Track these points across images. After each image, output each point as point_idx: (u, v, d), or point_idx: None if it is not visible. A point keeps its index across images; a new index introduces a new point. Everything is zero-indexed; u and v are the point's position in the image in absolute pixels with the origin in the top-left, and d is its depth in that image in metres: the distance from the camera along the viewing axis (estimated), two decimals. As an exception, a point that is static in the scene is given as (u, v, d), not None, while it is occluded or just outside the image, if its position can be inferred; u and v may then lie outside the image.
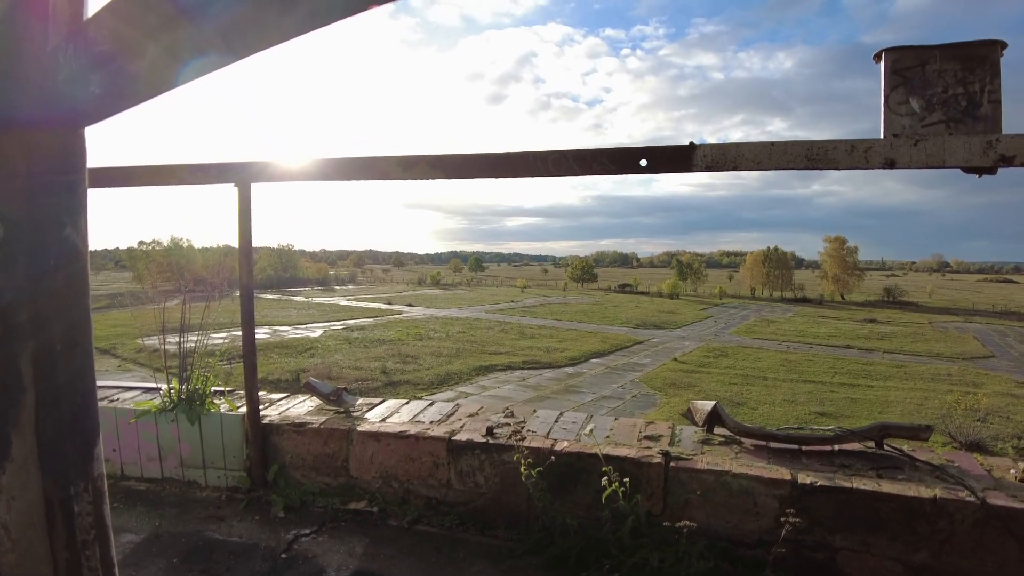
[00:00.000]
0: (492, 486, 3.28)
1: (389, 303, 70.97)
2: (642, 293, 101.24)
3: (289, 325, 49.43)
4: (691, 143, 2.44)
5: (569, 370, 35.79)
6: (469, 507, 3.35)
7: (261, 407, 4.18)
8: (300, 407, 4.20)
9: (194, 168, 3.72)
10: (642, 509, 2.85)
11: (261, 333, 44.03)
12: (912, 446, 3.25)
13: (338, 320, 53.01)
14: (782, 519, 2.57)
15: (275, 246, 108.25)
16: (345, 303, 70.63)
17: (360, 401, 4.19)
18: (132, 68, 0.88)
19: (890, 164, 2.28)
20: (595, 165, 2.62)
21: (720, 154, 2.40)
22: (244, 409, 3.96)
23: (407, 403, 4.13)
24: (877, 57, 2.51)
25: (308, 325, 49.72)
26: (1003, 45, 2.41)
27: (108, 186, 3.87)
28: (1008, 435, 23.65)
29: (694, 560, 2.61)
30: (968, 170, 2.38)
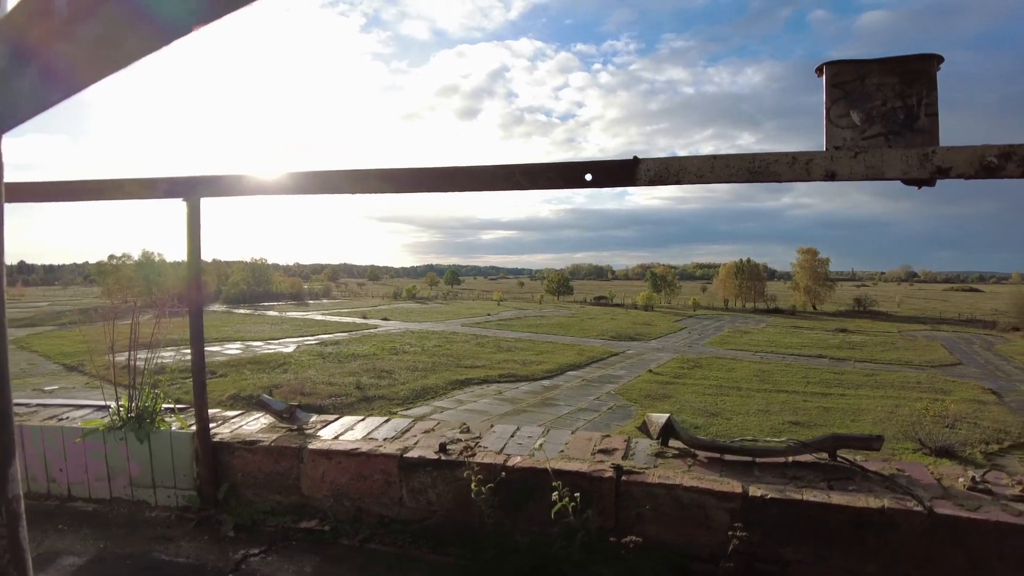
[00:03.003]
0: (445, 503, 3.23)
1: (364, 317, 70.42)
2: (617, 305, 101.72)
3: (262, 340, 48.83)
4: (635, 157, 2.44)
5: (546, 383, 35.75)
6: (422, 525, 3.30)
7: (214, 424, 4.10)
8: (253, 425, 4.12)
9: (142, 182, 3.65)
10: (593, 524, 2.82)
11: (233, 348, 43.40)
12: (866, 456, 3.26)
13: (312, 335, 52.48)
14: (729, 532, 2.56)
15: (248, 260, 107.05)
16: (319, 317, 69.96)
17: (314, 418, 4.12)
18: (54, 63, 0.83)
19: (831, 176, 2.30)
20: (542, 179, 2.61)
21: (663, 168, 2.40)
22: (196, 427, 3.87)
23: (362, 420, 4.07)
24: (819, 71, 2.53)
25: (281, 340, 49.14)
26: (939, 60, 2.45)
27: (53, 200, 3.78)
28: (976, 440, 24.07)
29: (646, 574, 2.58)
30: (907, 182, 2.41)
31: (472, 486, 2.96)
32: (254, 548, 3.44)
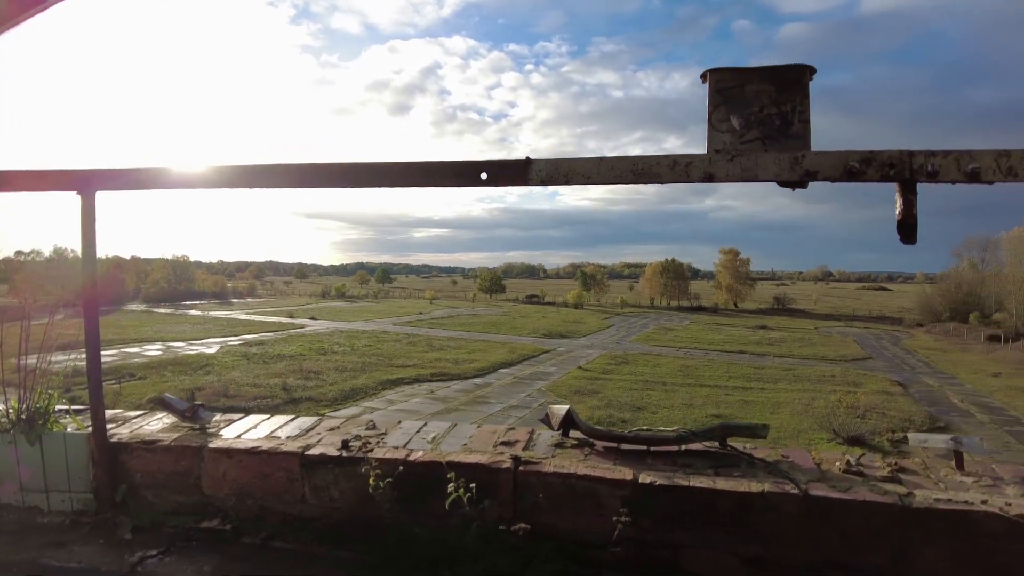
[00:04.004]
0: (347, 500, 3.25)
1: (291, 317, 68.85)
2: (549, 304, 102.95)
3: (183, 341, 47.12)
4: (527, 158, 2.51)
5: (477, 381, 35.87)
6: (325, 522, 3.30)
7: (113, 425, 3.97)
8: (154, 424, 4.01)
9: (32, 175, 3.50)
10: (492, 514, 2.89)
11: (153, 349, 41.73)
12: (754, 444, 3.44)
13: (236, 335, 50.96)
14: (615, 519, 2.67)
15: (169, 257, 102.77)
16: (244, 317, 67.97)
17: (217, 417, 4.05)
18: None
19: (709, 178, 2.43)
20: (440, 177, 2.65)
21: (554, 169, 2.49)
22: (91, 428, 3.73)
23: (268, 418, 4.02)
24: (703, 77, 2.66)
25: (204, 340, 47.54)
26: (812, 70, 2.61)
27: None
28: (884, 429, 25.63)
29: (540, 563, 2.66)
30: (781, 183, 2.57)
31: (371, 481, 2.99)
32: (152, 550, 3.36)
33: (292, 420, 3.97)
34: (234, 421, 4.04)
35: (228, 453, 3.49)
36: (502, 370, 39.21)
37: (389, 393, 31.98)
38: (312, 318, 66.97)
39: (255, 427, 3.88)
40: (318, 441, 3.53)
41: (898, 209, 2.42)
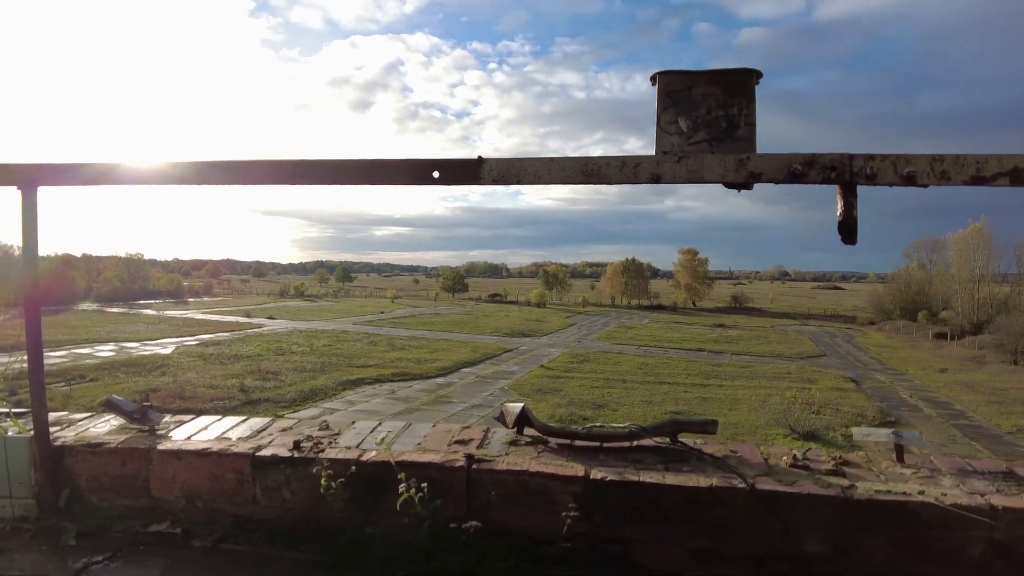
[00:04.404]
0: (300, 501, 3.22)
1: (248, 316, 67.63)
2: (511, 303, 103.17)
3: (138, 341, 45.93)
4: (479, 157, 2.52)
5: (440, 380, 35.74)
6: (278, 523, 3.27)
7: (57, 428, 3.86)
8: (101, 427, 3.90)
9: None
10: (445, 513, 2.90)
11: (105, 350, 40.59)
12: (704, 440, 3.52)
13: (192, 335, 49.86)
14: (564, 514, 2.71)
15: (123, 255, 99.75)
16: (200, 316, 66.51)
17: (167, 419, 3.97)
18: None
19: (656, 179, 2.48)
20: (392, 175, 2.65)
21: (505, 168, 2.51)
22: (34, 431, 3.62)
23: (219, 419, 3.96)
24: (653, 80, 2.70)
25: (159, 341, 46.40)
26: (758, 75, 2.68)
27: None
28: (838, 424, 26.38)
29: (492, 560, 2.68)
30: (728, 185, 2.63)
31: (322, 481, 2.97)
32: (97, 555, 3.27)
33: (244, 421, 3.91)
34: (184, 422, 3.96)
35: (177, 455, 3.42)
36: (464, 369, 39.17)
37: (349, 394, 31.66)
38: (270, 317, 65.94)
39: (206, 428, 3.82)
40: (270, 442, 3.49)
41: (839, 210, 2.50)
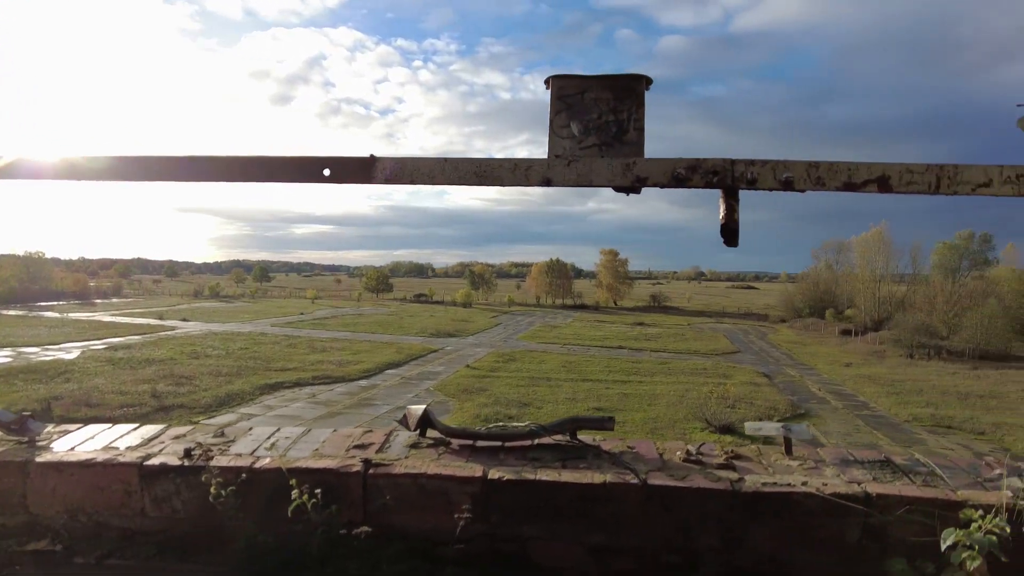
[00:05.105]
0: (191, 511, 3.10)
1: (161, 318, 64.54)
2: (437, 303, 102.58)
3: (38, 346, 43.10)
4: (372, 155, 2.48)
5: (363, 383, 35.14)
6: (168, 534, 3.14)
7: (-77, 444, 3.57)
8: (-27, 441, 3.63)
9: None
10: (341, 519, 2.85)
11: (1, 356, 37.89)
12: (603, 436, 3.59)
13: (99, 339, 47.20)
14: (457, 515, 2.72)
15: (22, 254, 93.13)
16: (108, 319, 63.00)
17: (49, 428, 3.74)
18: None
19: (547, 182, 2.51)
20: (279, 173, 2.57)
21: (399, 168, 2.48)
22: None
23: (109, 428, 3.76)
24: (547, 83, 2.74)
25: (62, 345, 43.70)
26: (648, 80, 2.75)
27: None
28: (752, 417, 27.47)
29: (388, 564, 2.66)
30: (616, 189, 2.69)
31: (211, 490, 2.87)
32: (-35, 580, 3.06)
33: (135, 429, 3.73)
34: (70, 432, 3.74)
35: (58, 467, 3.23)
36: (389, 371, 38.68)
37: (268, 398, 30.71)
38: (184, 319, 63.23)
39: (92, 438, 3.61)
40: (160, 450, 3.34)
41: (721, 214, 2.59)
